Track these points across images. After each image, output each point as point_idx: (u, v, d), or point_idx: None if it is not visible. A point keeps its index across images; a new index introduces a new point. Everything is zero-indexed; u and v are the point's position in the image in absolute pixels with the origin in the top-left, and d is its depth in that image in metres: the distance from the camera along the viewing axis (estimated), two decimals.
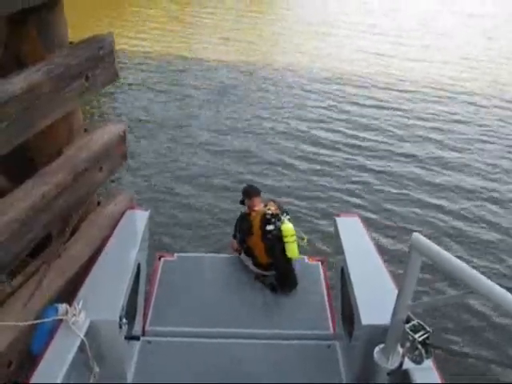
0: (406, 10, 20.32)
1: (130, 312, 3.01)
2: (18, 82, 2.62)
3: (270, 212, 3.90)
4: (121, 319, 2.72)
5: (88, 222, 3.68)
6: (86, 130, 3.68)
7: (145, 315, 3.55)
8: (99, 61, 3.25)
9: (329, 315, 3.66)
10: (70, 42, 3.22)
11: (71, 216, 3.41)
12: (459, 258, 2.01)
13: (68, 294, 3.00)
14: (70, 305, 2.62)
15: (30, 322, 2.59)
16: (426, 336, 2.19)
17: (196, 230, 6.10)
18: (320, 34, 15.84)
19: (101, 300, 2.79)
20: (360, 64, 13.00)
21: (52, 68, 2.85)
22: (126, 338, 2.89)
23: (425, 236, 2.12)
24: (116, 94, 10.46)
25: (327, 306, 3.74)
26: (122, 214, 3.73)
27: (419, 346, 2.17)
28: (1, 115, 2.47)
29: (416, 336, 2.18)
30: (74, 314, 2.56)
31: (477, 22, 18.48)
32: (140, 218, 3.71)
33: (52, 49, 3.04)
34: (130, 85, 10.98)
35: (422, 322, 2.25)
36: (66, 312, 2.56)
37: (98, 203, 3.97)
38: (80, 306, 2.62)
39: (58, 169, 3.12)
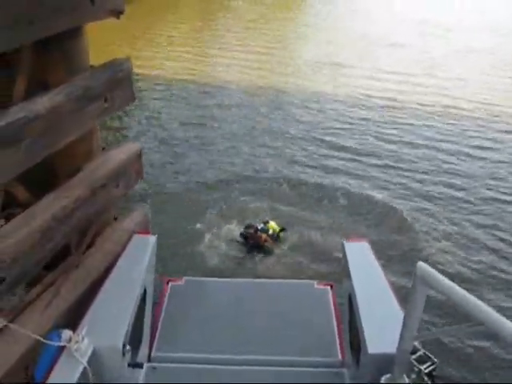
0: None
1: (135, 338, 2.98)
2: (42, 103, 2.83)
3: None
4: (124, 346, 2.68)
5: (104, 236, 3.83)
6: (103, 149, 3.88)
7: (151, 341, 3.49)
8: (117, 83, 3.45)
9: (337, 341, 3.57)
10: (91, 66, 3.44)
11: (89, 228, 3.57)
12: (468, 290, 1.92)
13: (82, 306, 3.09)
14: (75, 329, 2.61)
15: (36, 336, 2.57)
16: (432, 367, 2.16)
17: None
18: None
19: (105, 326, 2.77)
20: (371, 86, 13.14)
21: (73, 90, 3.05)
22: (129, 365, 2.84)
23: (431, 265, 2.06)
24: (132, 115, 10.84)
25: (336, 332, 3.65)
26: (129, 238, 3.70)
27: (425, 378, 2.15)
28: (27, 132, 2.66)
29: (422, 367, 2.16)
30: (77, 341, 2.52)
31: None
32: (147, 243, 3.67)
33: (74, 73, 3.24)
34: (145, 105, 11.37)
35: (428, 353, 2.22)
36: (70, 339, 2.52)
37: (115, 218, 4.13)
38: (84, 333, 2.59)
39: (78, 184, 3.30)
